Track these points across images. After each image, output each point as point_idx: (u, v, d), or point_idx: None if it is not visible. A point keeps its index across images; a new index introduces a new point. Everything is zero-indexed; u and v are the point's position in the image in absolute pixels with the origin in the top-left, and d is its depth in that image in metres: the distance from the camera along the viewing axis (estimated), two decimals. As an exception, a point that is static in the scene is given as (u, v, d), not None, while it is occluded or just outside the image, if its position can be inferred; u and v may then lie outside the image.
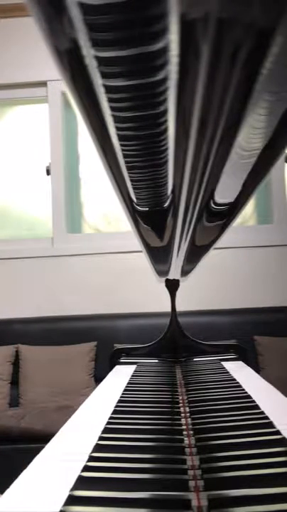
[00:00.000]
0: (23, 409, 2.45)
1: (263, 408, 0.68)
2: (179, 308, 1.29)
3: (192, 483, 0.42)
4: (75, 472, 0.45)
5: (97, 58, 0.22)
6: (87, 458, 0.48)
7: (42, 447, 0.54)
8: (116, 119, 0.29)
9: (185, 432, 0.58)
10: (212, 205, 0.51)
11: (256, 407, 0.69)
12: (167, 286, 1.29)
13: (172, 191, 0.44)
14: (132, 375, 1.03)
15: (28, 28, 2.82)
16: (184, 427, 0.60)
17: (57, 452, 0.53)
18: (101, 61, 0.23)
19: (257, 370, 1.12)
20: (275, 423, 0.59)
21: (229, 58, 0.23)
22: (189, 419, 0.64)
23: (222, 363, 1.16)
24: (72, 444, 0.56)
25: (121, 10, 0.19)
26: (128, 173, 0.39)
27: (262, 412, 0.65)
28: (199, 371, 1.07)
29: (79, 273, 2.95)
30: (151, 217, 0.57)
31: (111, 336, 2.61)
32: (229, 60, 0.23)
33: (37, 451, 0.53)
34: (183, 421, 0.63)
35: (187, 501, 0.38)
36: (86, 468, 0.46)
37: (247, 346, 1.31)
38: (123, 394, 0.84)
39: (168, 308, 1.29)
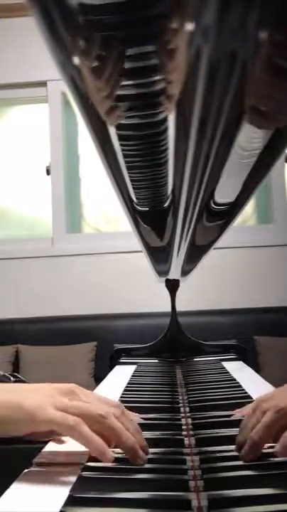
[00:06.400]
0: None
1: (263, 408, 0.67)
2: (179, 308, 1.29)
3: (192, 484, 0.42)
4: (75, 472, 0.45)
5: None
6: (87, 458, 0.48)
7: (42, 447, 0.54)
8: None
9: (185, 432, 0.58)
10: (212, 205, 0.51)
11: (256, 407, 0.68)
12: (167, 286, 1.29)
13: (172, 191, 0.44)
14: (132, 375, 1.03)
15: (28, 28, 2.82)
16: (184, 427, 0.60)
17: (57, 452, 0.53)
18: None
19: (257, 370, 1.12)
20: (276, 423, 0.59)
21: (229, 59, 0.23)
22: (189, 419, 0.64)
23: (222, 363, 1.16)
24: (73, 443, 0.56)
25: (121, 10, 0.19)
26: (128, 173, 0.39)
27: (262, 412, 0.65)
28: (199, 371, 1.07)
29: (79, 273, 2.95)
30: (151, 217, 0.57)
31: (111, 336, 2.60)
32: (229, 61, 0.23)
33: (37, 451, 0.53)
34: (183, 421, 0.63)
35: (187, 501, 0.38)
36: (86, 469, 0.46)
37: (247, 346, 1.31)
38: (123, 394, 0.84)
39: (168, 308, 1.29)
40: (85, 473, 0.44)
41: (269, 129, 0.31)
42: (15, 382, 0.69)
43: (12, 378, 0.70)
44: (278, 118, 0.29)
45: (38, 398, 0.48)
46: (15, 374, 0.72)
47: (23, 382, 0.71)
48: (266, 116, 0.28)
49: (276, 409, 0.48)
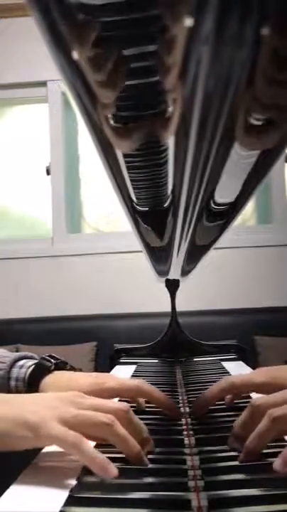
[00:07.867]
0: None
1: (263, 408, 0.67)
2: (179, 308, 1.29)
3: (192, 484, 0.42)
4: (75, 472, 0.45)
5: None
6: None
7: (42, 447, 0.54)
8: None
9: (185, 432, 0.58)
10: (212, 205, 0.51)
11: (256, 407, 0.68)
12: (167, 286, 1.29)
13: (172, 191, 0.44)
14: (132, 375, 1.03)
15: (28, 28, 2.81)
16: (184, 427, 0.60)
17: (57, 452, 0.53)
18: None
19: (257, 370, 1.12)
20: (276, 423, 0.59)
21: (229, 60, 0.23)
22: (189, 419, 0.64)
23: (222, 363, 1.16)
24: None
25: (121, 10, 0.19)
26: (128, 173, 0.39)
27: (262, 412, 0.65)
28: (199, 371, 1.07)
29: (79, 273, 2.95)
30: (151, 217, 0.57)
31: (111, 336, 2.60)
32: (229, 62, 0.23)
33: (37, 451, 0.53)
34: (183, 421, 0.63)
35: (187, 501, 0.38)
36: (86, 469, 0.45)
37: (247, 346, 1.31)
38: (123, 394, 0.84)
39: (168, 308, 1.29)
40: (85, 474, 0.44)
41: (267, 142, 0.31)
42: (55, 364, 0.66)
43: (53, 360, 0.67)
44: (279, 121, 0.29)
45: (41, 412, 0.45)
46: (54, 355, 0.68)
47: (64, 363, 0.68)
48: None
49: (271, 418, 0.46)
